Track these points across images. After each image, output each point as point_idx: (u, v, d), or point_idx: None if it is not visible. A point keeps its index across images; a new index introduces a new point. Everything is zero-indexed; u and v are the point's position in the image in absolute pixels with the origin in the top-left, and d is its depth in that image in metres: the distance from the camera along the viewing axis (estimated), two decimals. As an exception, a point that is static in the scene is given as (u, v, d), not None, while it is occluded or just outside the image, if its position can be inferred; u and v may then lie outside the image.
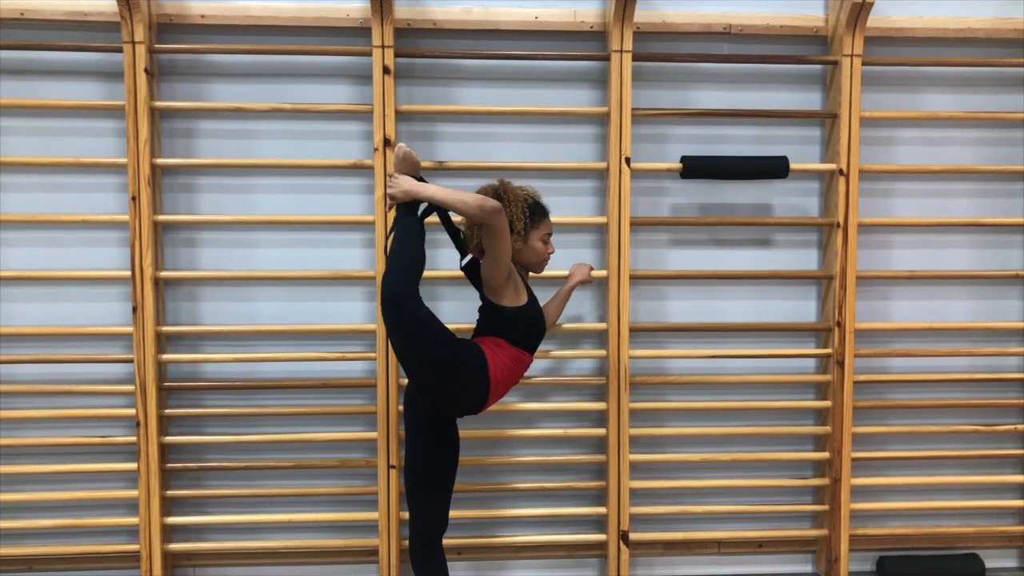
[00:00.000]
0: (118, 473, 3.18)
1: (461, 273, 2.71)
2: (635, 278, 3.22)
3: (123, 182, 3.10)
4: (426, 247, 2.50)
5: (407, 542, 2.72)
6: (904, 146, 3.35)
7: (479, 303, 2.63)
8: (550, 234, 2.63)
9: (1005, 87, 3.35)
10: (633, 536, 3.28)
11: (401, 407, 2.86)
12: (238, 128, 3.17)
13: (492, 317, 2.56)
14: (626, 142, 3.12)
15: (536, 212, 2.57)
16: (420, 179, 2.53)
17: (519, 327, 2.55)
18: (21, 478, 3.17)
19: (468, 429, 2.92)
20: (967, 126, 3.36)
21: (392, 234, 2.50)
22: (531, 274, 2.71)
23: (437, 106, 3.18)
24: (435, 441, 2.58)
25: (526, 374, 2.70)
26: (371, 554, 3.27)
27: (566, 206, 3.23)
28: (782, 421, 3.38)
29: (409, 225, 2.48)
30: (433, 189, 2.46)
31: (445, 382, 2.47)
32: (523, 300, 2.54)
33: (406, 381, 3.09)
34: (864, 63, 3.17)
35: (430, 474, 2.60)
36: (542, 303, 2.80)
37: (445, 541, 2.71)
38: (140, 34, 2.96)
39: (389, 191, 2.50)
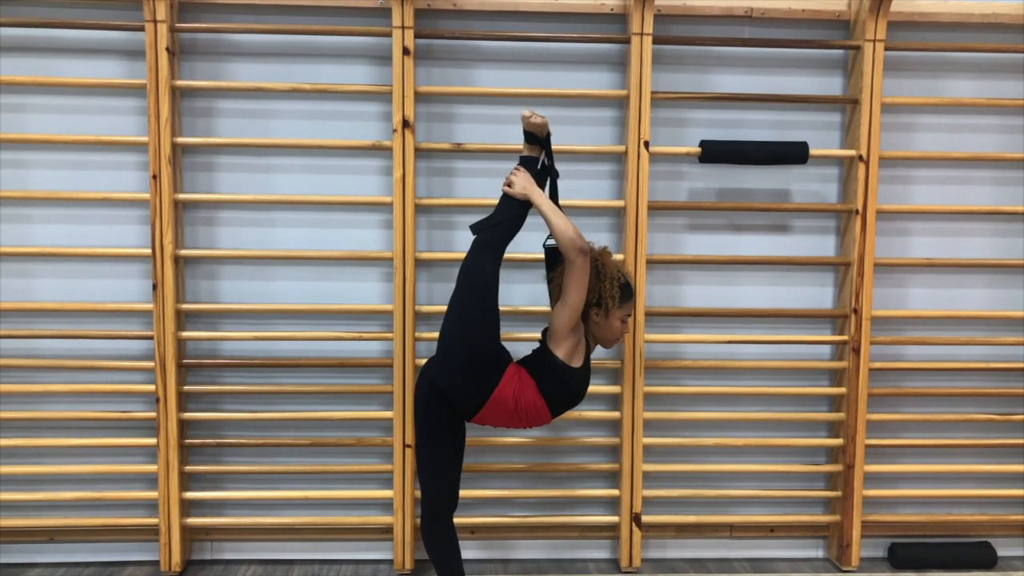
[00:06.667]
0: (138, 448, 3.23)
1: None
2: (652, 262, 3.23)
3: (144, 160, 3.12)
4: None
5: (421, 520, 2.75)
6: (925, 132, 3.32)
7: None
8: (629, 315, 2.66)
9: (1029, 74, 3.32)
10: (645, 518, 3.30)
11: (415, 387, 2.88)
12: (258, 108, 3.18)
13: (540, 359, 2.59)
14: (645, 126, 3.11)
15: (624, 292, 2.61)
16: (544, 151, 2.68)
17: (557, 383, 2.56)
18: (43, 451, 3.23)
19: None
20: (989, 113, 3.32)
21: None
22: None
23: (456, 88, 3.18)
24: (443, 421, 2.61)
25: None
26: (386, 532, 3.31)
27: (584, 189, 3.23)
28: (796, 407, 3.39)
29: (515, 206, 2.61)
30: (545, 200, 2.57)
31: (460, 350, 2.51)
32: (577, 363, 2.56)
33: (422, 361, 3.13)
34: (886, 48, 3.15)
35: (437, 452, 2.63)
36: None
37: (458, 520, 2.74)
38: (162, 13, 2.97)
39: (508, 185, 2.61)
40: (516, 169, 2.64)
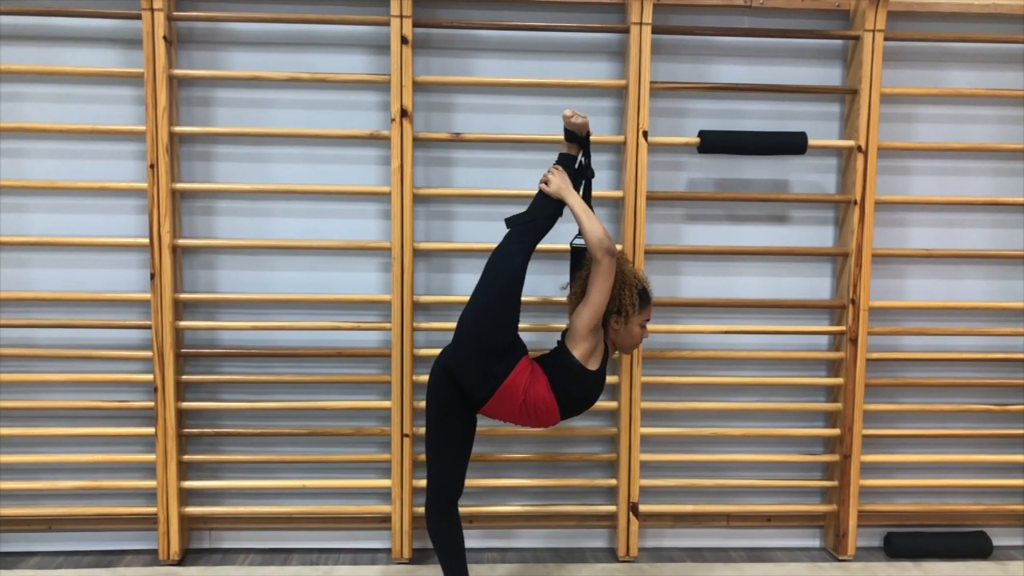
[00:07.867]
0: (136, 437, 3.23)
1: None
2: (650, 252, 3.23)
3: (142, 150, 3.12)
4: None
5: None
6: (924, 123, 3.32)
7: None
8: (648, 320, 2.67)
9: (1029, 65, 3.31)
10: (643, 508, 3.31)
11: (426, 377, 2.88)
12: (256, 97, 3.17)
13: (556, 356, 2.60)
14: (644, 116, 3.10)
15: (643, 298, 2.62)
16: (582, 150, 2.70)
17: (570, 382, 2.56)
18: (42, 440, 3.23)
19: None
20: (989, 103, 3.32)
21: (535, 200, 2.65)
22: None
23: (454, 77, 3.17)
24: (454, 408, 2.61)
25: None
26: (384, 521, 3.32)
27: (582, 179, 3.23)
28: (794, 397, 3.40)
29: (550, 204, 2.62)
30: (578, 201, 2.58)
31: (475, 337, 2.52)
32: (593, 366, 2.57)
33: (420, 352, 3.13)
34: (886, 38, 3.14)
35: (446, 439, 2.64)
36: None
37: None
38: (159, 1, 2.95)
39: (544, 182, 2.62)
40: (554, 167, 2.65)
